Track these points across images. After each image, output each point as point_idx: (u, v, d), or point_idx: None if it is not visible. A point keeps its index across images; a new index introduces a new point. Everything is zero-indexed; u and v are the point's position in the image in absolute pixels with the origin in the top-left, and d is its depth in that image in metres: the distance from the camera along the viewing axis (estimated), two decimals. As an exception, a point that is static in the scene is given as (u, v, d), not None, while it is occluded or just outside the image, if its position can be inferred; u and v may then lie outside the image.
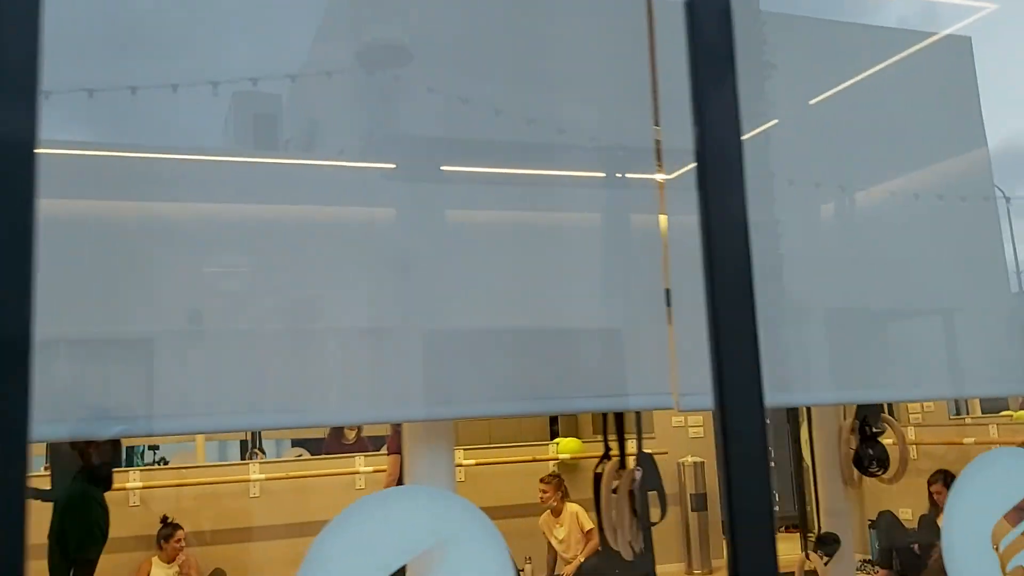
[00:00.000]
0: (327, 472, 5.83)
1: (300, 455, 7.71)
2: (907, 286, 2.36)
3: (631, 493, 2.40)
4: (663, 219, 1.86)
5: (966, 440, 5.59)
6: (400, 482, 5.43)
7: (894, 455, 2.98)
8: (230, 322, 1.70)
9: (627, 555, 2.33)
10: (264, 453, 10.18)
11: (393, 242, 1.79)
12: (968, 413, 10.75)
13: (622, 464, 2.51)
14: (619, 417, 2.52)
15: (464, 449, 6.48)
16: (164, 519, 5.42)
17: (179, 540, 5.40)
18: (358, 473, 5.99)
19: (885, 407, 3.60)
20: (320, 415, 1.95)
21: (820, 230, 2.31)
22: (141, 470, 5.71)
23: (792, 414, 7.92)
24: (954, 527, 1.70)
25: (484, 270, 1.81)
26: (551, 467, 6.42)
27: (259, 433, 10.15)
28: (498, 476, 6.30)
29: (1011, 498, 1.73)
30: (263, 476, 5.76)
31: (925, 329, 2.41)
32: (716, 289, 1.65)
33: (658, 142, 1.91)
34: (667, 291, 1.84)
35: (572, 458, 6.47)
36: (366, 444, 6.65)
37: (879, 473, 2.94)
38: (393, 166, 1.81)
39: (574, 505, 5.97)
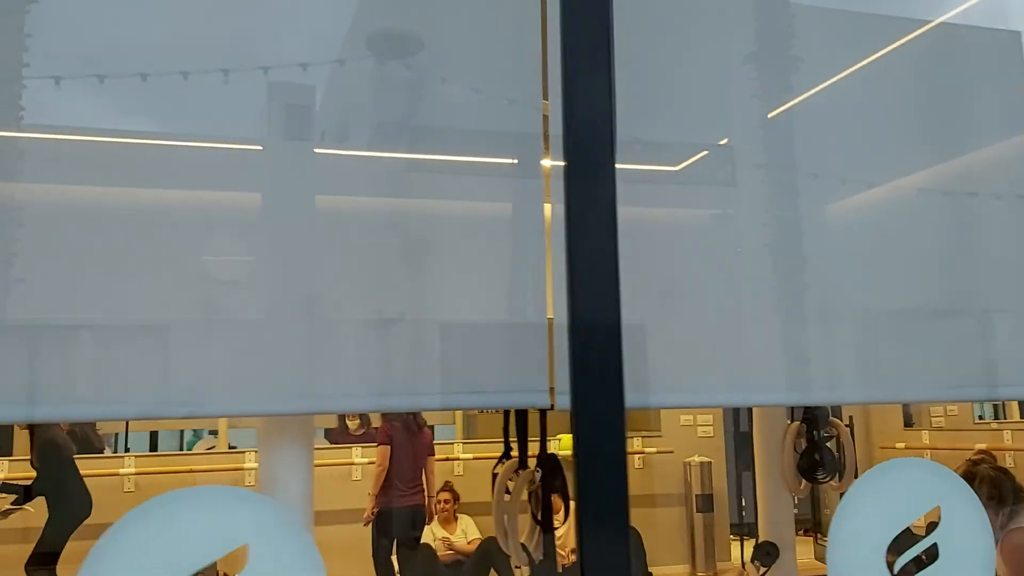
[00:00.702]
0: (323, 462, 5.80)
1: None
2: (939, 285, 2.24)
3: (532, 495, 2.30)
4: (548, 208, 1.76)
5: (978, 446, 5.35)
6: (388, 473, 5.43)
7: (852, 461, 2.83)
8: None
9: (521, 560, 2.23)
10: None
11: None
12: (1006, 417, 10.37)
13: (522, 464, 2.41)
14: (521, 416, 2.41)
15: (462, 443, 6.41)
16: (158, 506, 5.44)
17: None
18: (354, 464, 5.96)
19: (832, 410, 3.44)
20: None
21: (844, 226, 2.18)
22: (136, 456, 5.73)
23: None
24: (839, 546, 1.57)
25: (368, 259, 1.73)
26: (553, 463, 6.31)
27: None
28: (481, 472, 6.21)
29: (905, 514, 1.60)
30: (256, 465, 5.75)
31: (957, 329, 2.28)
32: (577, 285, 1.54)
33: (546, 126, 1.80)
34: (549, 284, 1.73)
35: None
36: (373, 435, 6.63)
37: (826, 480, 2.79)
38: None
39: (573, 503, 5.86)
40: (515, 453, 2.41)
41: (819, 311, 2.02)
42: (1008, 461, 5.21)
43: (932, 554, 1.60)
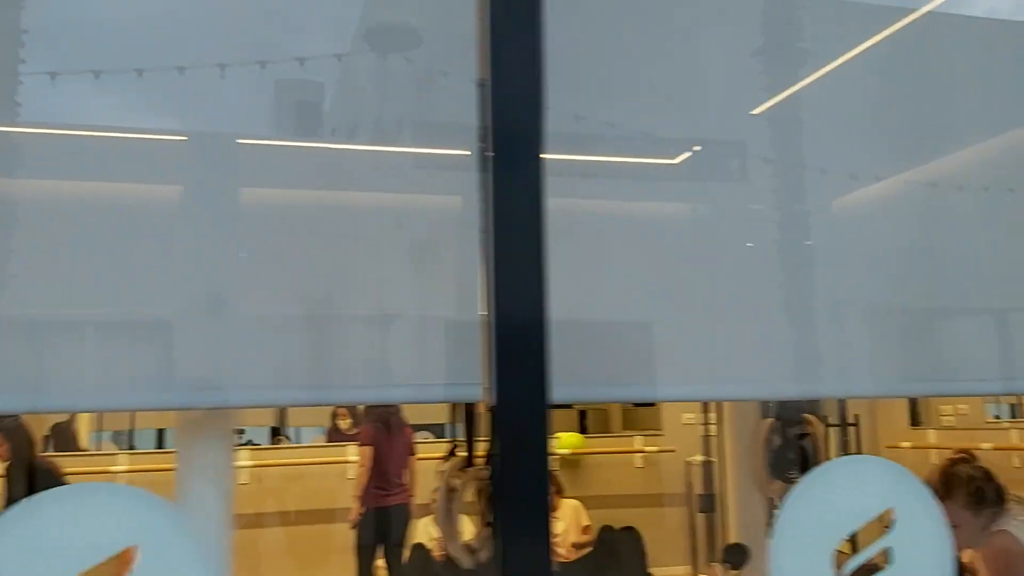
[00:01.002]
0: (315, 460, 5.75)
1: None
2: (952, 281, 2.17)
3: (481, 495, 2.21)
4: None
5: (984, 445, 5.20)
6: (371, 474, 5.38)
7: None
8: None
9: (465, 563, 2.15)
10: (289, 439, 10.23)
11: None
12: (1022, 416, 10.16)
13: (469, 463, 2.32)
14: (469, 411, 2.33)
15: (460, 441, 6.34)
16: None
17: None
18: (348, 462, 5.90)
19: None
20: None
21: (853, 221, 2.10)
22: (130, 454, 5.71)
23: (818, 414, 7.58)
24: (783, 548, 1.48)
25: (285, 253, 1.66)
26: (552, 463, 6.23)
27: (286, 417, 10.22)
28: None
29: (854, 515, 1.51)
30: (252, 463, 5.71)
31: (971, 324, 2.21)
32: (501, 279, 1.47)
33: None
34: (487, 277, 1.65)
35: (573, 453, 6.28)
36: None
37: (799, 479, 2.67)
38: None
39: (573, 500, 5.80)
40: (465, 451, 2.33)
41: (821, 305, 1.94)
42: (1015, 461, 5.07)
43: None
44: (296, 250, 1.63)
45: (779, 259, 1.98)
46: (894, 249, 2.09)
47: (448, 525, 2.19)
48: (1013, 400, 10.23)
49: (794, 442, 2.59)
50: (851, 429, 6.25)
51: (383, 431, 5.29)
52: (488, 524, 2.20)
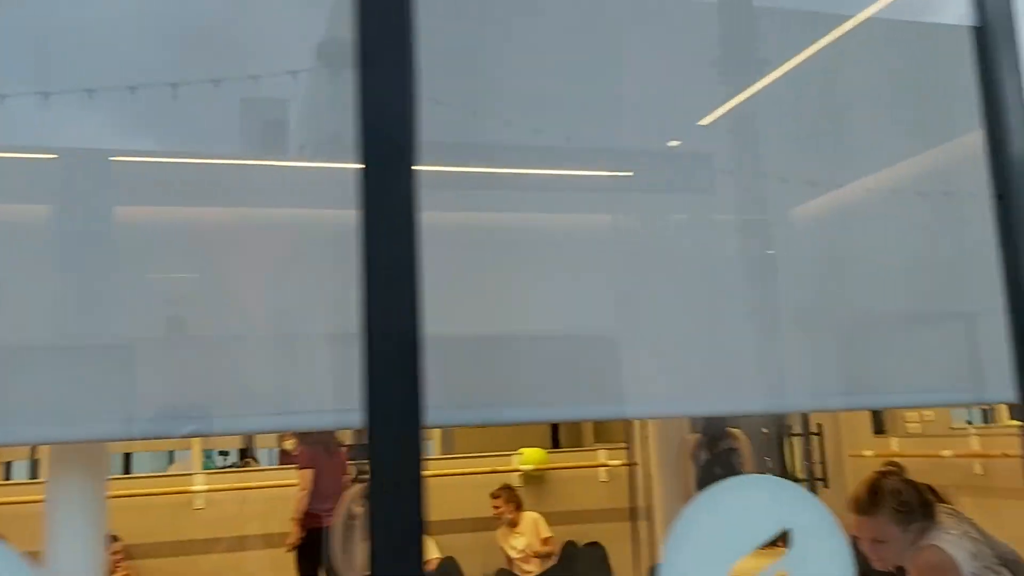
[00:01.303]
0: (267, 484, 5.66)
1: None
2: (916, 288, 2.12)
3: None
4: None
5: (944, 452, 5.17)
6: (311, 496, 5.29)
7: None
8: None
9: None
10: (257, 461, 10.10)
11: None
12: (994, 422, 10.16)
13: None
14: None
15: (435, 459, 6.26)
16: (102, 530, 5.30)
17: (116, 552, 5.29)
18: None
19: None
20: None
21: (813, 229, 2.05)
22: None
23: (782, 424, 7.53)
24: (673, 570, 1.42)
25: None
26: (516, 479, 6.17)
27: (252, 441, 10.09)
28: (456, 488, 6.06)
29: (746, 539, 1.45)
30: (206, 487, 5.61)
31: (937, 332, 2.16)
32: (372, 295, 1.40)
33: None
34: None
35: (537, 469, 6.20)
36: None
37: None
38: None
39: (533, 513, 5.74)
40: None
41: (786, 317, 1.89)
42: (976, 468, 5.04)
43: None
44: (164, 268, 1.57)
45: (698, 269, 1.94)
46: (842, 257, 2.06)
47: (345, 554, 2.11)
48: (985, 406, 10.24)
49: (721, 457, 2.54)
50: (814, 439, 6.22)
51: (322, 453, 5.26)
52: None
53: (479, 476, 6.04)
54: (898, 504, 2.14)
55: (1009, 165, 1.66)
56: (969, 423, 10.41)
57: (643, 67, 2.01)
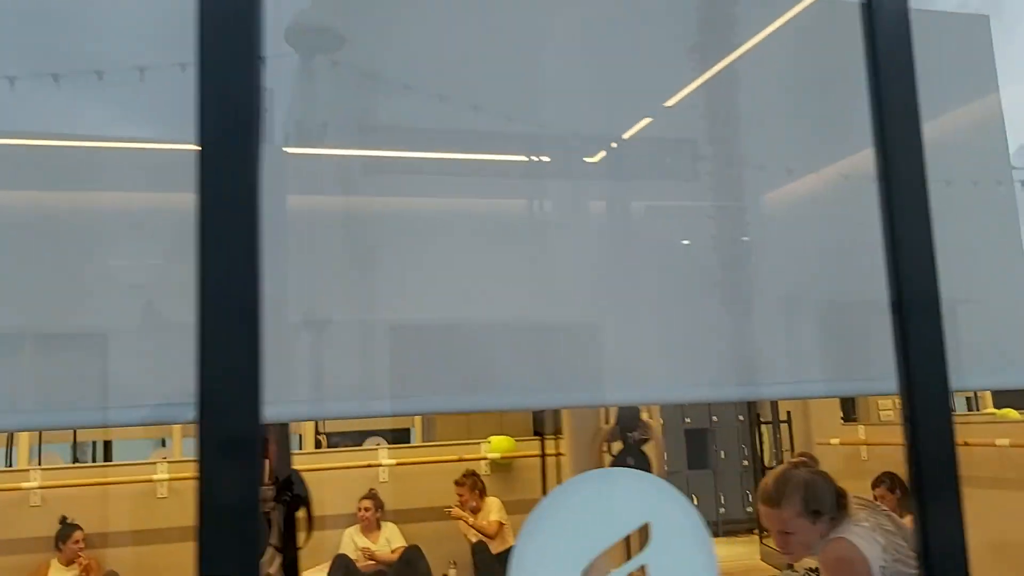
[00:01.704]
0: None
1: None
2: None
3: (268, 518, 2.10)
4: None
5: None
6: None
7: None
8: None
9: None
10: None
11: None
12: (978, 409, 10.14)
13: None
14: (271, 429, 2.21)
15: (389, 448, 6.24)
16: (63, 519, 5.29)
17: (77, 541, 5.27)
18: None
19: (648, 411, 3.22)
20: None
21: (792, 217, 2.03)
22: (43, 469, 5.58)
23: (753, 411, 7.49)
24: (526, 566, 1.38)
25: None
26: (483, 466, 6.15)
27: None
28: (424, 476, 6.04)
29: (604, 533, 1.41)
30: (167, 476, 5.58)
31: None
32: (210, 281, 1.35)
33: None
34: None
35: (504, 457, 6.17)
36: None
37: None
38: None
39: (495, 499, 5.74)
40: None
41: (754, 302, 1.86)
42: (939, 456, 4.98)
43: None
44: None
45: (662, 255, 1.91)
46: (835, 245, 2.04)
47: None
48: (968, 393, 10.20)
49: (634, 447, 2.50)
50: (783, 426, 6.19)
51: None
52: (277, 549, 2.09)
53: (447, 464, 6.02)
54: (807, 496, 2.10)
55: (892, 144, 1.60)
56: (951, 411, 10.37)
57: (606, 48, 1.98)
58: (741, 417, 8.21)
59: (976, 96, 2.33)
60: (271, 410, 1.74)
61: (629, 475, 1.48)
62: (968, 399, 10.36)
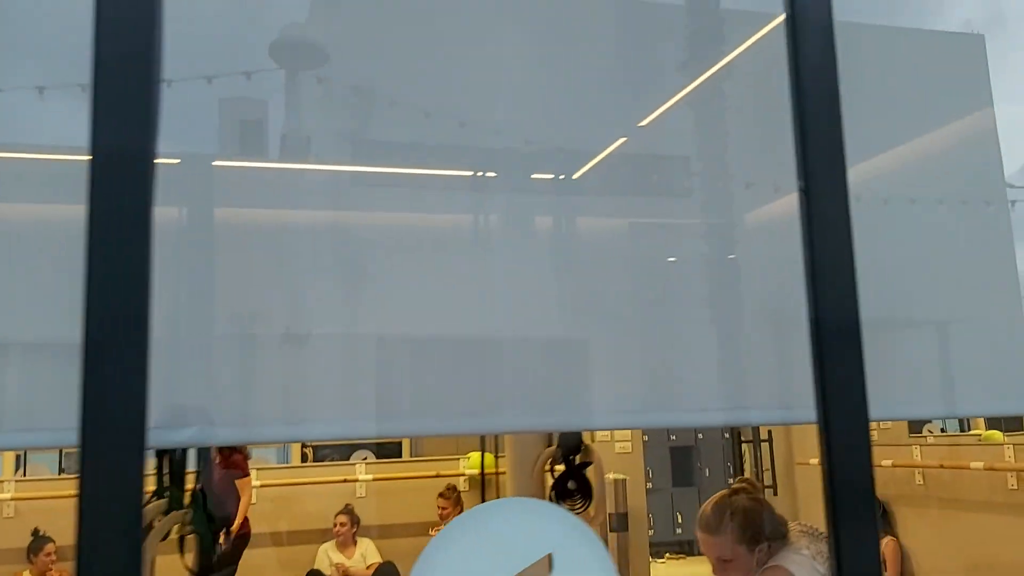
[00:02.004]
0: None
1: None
2: (891, 296, 2.06)
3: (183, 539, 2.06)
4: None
5: (884, 462, 5.07)
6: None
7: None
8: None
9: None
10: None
11: None
12: (970, 430, 10.08)
13: (177, 504, 2.15)
14: (167, 452, 2.17)
15: (366, 463, 6.20)
16: (35, 532, 5.26)
17: (49, 553, 5.24)
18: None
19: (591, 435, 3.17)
20: None
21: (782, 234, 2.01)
22: (17, 481, 5.54)
23: (735, 433, 7.43)
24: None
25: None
26: (462, 482, 6.10)
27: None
28: (402, 492, 5.99)
29: (503, 566, 1.37)
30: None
31: (911, 343, 2.12)
32: (94, 296, 1.33)
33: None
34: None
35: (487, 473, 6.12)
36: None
37: (580, 510, 2.53)
38: None
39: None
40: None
41: (733, 323, 1.83)
42: (917, 479, 4.94)
43: None
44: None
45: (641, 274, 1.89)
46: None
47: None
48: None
49: (576, 471, 2.46)
50: (764, 445, 6.13)
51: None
52: (192, 572, 2.05)
53: (426, 480, 5.98)
54: (745, 523, 2.06)
55: (813, 161, 1.57)
56: (943, 431, 10.33)
57: (586, 66, 1.97)
58: (727, 435, 8.16)
59: (972, 115, 2.30)
60: (230, 432, 1.73)
61: (531, 505, 1.44)
62: (961, 421, 10.31)
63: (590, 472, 2.51)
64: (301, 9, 1.88)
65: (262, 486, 5.70)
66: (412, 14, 1.87)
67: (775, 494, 5.97)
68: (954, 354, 2.13)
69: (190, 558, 2.08)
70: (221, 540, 5.38)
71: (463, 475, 6.13)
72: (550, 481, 2.63)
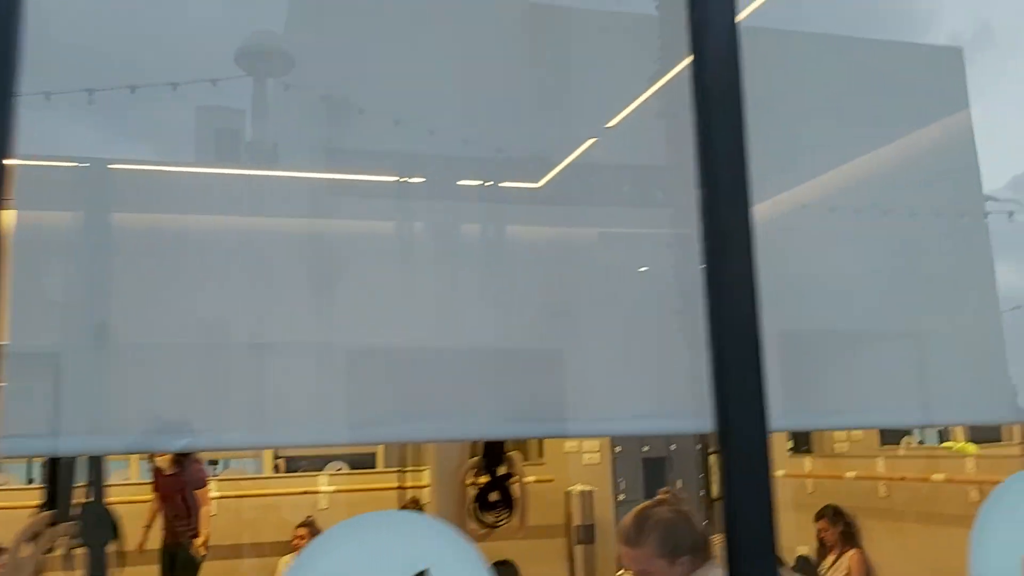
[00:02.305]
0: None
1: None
2: (870, 307, 2.12)
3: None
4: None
5: (848, 474, 5.03)
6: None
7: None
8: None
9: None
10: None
11: None
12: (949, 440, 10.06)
13: (65, 516, 2.09)
14: (52, 461, 2.11)
15: (329, 475, 6.13)
16: (-16, 543, 5.17)
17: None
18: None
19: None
20: None
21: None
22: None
23: (704, 440, 7.39)
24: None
25: None
26: (425, 494, 6.02)
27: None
28: (366, 504, 5.91)
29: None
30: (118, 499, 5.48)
31: (888, 352, 2.16)
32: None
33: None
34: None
35: (448, 485, 6.05)
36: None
37: (503, 521, 2.46)
38: None
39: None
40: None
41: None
42: (881, 491, 4.90)
43: None
44: None
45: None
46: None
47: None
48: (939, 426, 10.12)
49: (499, 482, 2.40)
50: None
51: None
52: None
53: (389, 492, 5.91)
54: (665, 536, 2.01)
55: (715, 164, 1.53)
56: (921, 443, 10.31)
57: (554, 72, 1.96)
58: (698, 445, 8.08)
59: (949, 126, 2.31)
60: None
61: (406, 518, 1.39)
62: (940, 432, 10.29)
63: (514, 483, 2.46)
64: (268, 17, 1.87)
65: (222, 497, 5.63)
66: (382, 23, 1.87)
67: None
68: (930, 364, 2.13)
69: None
70: (203, 550, 5.33)
71: (427, 486, 6.05)
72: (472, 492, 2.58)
